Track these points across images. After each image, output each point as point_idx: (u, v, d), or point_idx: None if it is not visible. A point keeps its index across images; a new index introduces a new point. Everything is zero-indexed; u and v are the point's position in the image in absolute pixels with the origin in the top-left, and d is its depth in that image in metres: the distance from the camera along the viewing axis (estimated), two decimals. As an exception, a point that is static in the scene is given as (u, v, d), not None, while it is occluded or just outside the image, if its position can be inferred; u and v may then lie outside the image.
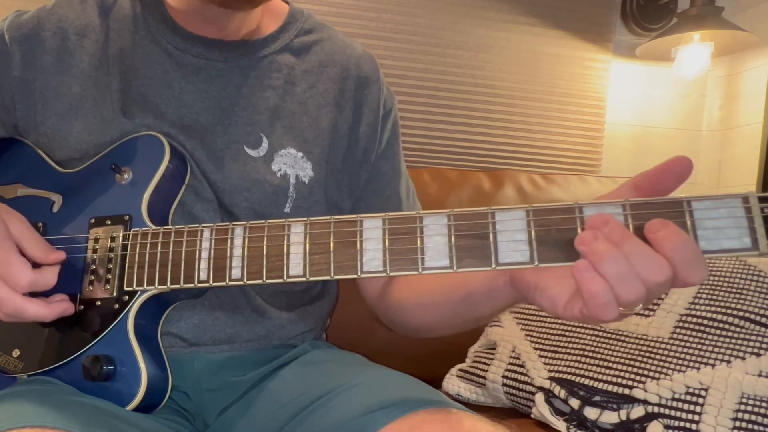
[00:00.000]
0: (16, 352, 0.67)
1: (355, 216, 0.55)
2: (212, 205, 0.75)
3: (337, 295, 0.91)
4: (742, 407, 0.86)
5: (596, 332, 1.07)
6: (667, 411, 0.90)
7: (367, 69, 0.84)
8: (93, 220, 0.68)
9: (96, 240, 0.66)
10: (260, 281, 0.58)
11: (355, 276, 0.54)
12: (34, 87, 0.75)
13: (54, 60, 0.75)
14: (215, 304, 0.75)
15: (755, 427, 0.84)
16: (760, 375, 0.88)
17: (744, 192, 0.45)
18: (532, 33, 1.71)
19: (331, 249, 0.55)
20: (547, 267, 0.48)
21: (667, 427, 0.89)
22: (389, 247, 0.53)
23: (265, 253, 0.58)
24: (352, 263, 0.54)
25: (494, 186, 1.45)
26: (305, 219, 0.57)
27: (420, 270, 0.52)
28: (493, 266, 0.49)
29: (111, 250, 0.65)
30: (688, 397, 0.89)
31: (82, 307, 0.66)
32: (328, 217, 0.56)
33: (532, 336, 1.14)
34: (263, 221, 0.59)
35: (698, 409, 0.88)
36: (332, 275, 0.54)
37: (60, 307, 0.63)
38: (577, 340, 1.08)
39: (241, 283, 0.59)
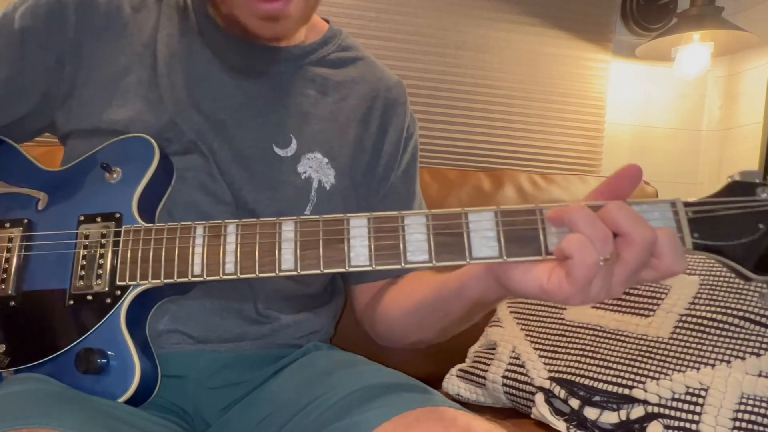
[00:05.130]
0: (1, 348, 0.67)
1: (342, 215, 0.58)
2: (231, 207, 0.76)
3: (345, 300, 0.92)
4: (742, 407, 0.86)
5: (596, 332, 1.07)
6: (667, 411, 0.90)
7: (396, 93, 0.88)
8: (82, 217, 0.69)
9: (86, 236, 0.67)
10: (253, 275, 0.59)
11: (343, 270, 0.57)
12: (83, 51, 0.75)
13: (105, 27, 0.76)
14: (224, 305, 0.75)
15: (755, 427, 0.84)
16: (760, 375, 0.88)
17: (672, 198, 0.53)
18: (532, 33, 1.70)
19: (321, 245, 0.58)
20: (514, 261, 0.54)
21: (667, 427, 0.89)
22: (374, 243, 0.57)
23: (257, 248, 0.60)
24: (340, 258, 0.57)
25: (494, 186, 1.45)
26: (295, 218, 0.60)
27: (402, 264, 0.56)
28: (468, 260, 0.54)
29: (102, 246, 0.66)
30: (688, 397, 0.89)
31: (72, 302, 0.66)
32: (317, 216, 0.59)
33: (532, 336, 1.14)
34: (255, 219, 0.61)
35: (698, 409, 0.88)
36: (322, 269, 0.57)
37: None
38: (577, 340, 1.08)
39: (235, 276, 0.60)
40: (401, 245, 0.56)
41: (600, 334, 1.06)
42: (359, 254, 0.57)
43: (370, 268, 0.56)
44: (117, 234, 0.66)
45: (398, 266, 0.55)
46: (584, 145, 1.77)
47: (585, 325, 1.09)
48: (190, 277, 0.61)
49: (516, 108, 1.71)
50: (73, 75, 0.76)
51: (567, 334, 1.10)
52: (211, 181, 0.75)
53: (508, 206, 0.55)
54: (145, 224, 0.66)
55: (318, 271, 0.57)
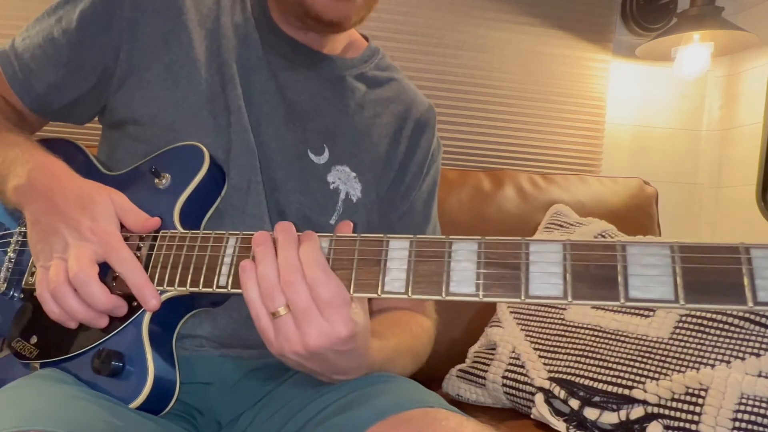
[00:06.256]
0: (33, 339, 0.68)
1: (382, 236, 0.54)
2: (263, 207, 0.76)
3: None
4: (742, 407, 0.86)
5: (596, 332, 1.07)
6: (666, 411, 0.90)
7: (427, 116, 0.91)
8: None
9: (126, 238, 0.66)
10: None
11: (375, 295, 0.52)
12: (140, 32, 0.75)
13: (163, 6, 0.75)
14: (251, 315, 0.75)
15: (755, 427, 0.84)
16: (759, 375, 0.88)
17: None
18: (532, 33, 1.70)
19: (354, 266, 0.54)
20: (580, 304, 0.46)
21: (666, 427, 0.89)
22: (414, 268, 0.51)
23: None
24: (373, 282, 0.52)
25: (494, 186, 1.45)
26: (331, 234, 0.56)
27: (443, 295, 0.50)
28: (522, 298, 0.47)
29: (138, 249, 0.66)
30: (688, 398, 0.90)
31: None
32: (354, 235, 0.55)
33: (532, 336, 1.14)
34: None
35: (698, 409, 0.88)
36: (351, 292, 0.53)
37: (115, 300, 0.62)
38: (577, 341, 1.08)
39: None
40: (445, 274, 0.50)
41: (600, 334, 1.06)
42: (395, 279, 0.51)
43: (405, 297, 0.51)
44: (153, 238, 0.65)
45: (438, 297, 0.50)
46: (584, 145, 1.77)
47: (585, 326, 1.09)
48: (214, 287, 0.59)
49: (516, 108, 1.71)
50: (130, 57, 0.75)
51: (567, 334, 1.10)
52: (254, 175, 0.75)
53: (580, 239, 0.47)
54: (182, 231, 0.66)
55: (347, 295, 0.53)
